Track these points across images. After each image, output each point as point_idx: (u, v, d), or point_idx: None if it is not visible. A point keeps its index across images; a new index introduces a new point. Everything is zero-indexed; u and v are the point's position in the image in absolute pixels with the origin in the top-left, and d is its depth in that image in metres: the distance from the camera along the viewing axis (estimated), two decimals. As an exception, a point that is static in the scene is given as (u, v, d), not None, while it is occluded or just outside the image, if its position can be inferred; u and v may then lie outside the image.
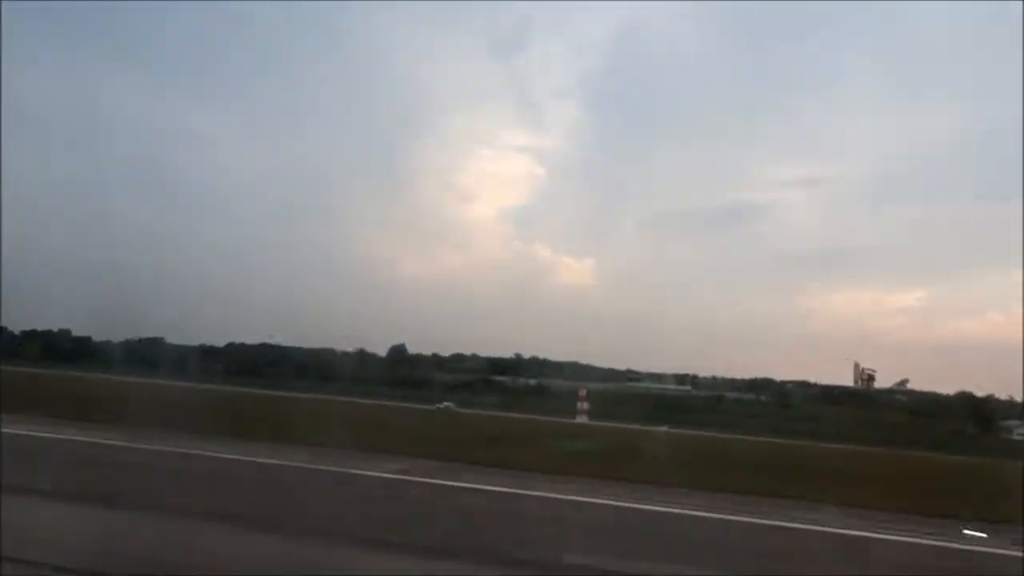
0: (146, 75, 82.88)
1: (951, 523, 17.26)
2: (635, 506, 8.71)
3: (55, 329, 67.03)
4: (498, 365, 73.51)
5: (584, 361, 72.36)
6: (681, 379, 76.87)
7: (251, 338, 68.02)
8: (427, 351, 73.71)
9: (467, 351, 74.49)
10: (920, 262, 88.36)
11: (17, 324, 60.08)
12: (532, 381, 71.84)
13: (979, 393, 60.64)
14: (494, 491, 8.48)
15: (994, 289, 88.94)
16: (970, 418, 59.00)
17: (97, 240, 63.57)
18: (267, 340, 66.54)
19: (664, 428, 48.73)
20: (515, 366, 73.64)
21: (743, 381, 74.66)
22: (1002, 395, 61.40)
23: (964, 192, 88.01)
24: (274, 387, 54.55)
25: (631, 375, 75.48)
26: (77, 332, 65.80)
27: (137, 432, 14.24)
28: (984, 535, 15.25)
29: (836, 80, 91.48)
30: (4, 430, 9.86)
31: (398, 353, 71.47)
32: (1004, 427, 57.66)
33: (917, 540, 8.47)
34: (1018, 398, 59.88)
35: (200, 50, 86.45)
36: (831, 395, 69.26)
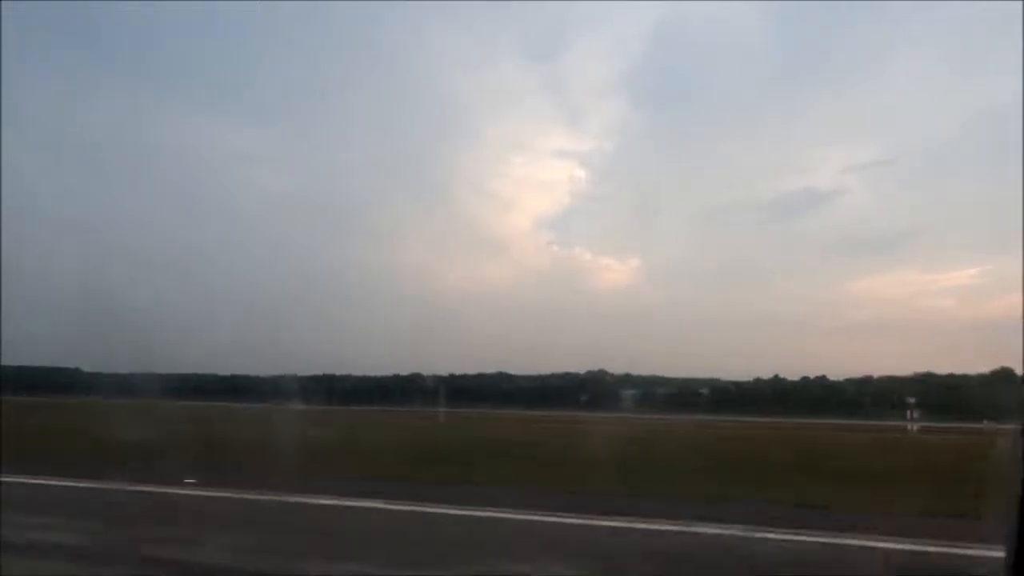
0: (178, 94, 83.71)
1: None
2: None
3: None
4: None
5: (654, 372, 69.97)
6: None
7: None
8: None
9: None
10: (970, 241, 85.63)
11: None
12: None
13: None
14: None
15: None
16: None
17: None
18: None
19: None
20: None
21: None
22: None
23: (1007, 161, 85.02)
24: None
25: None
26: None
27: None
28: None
29: (886, 60, 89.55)
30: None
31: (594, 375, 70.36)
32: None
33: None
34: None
35: (235, 67, 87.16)
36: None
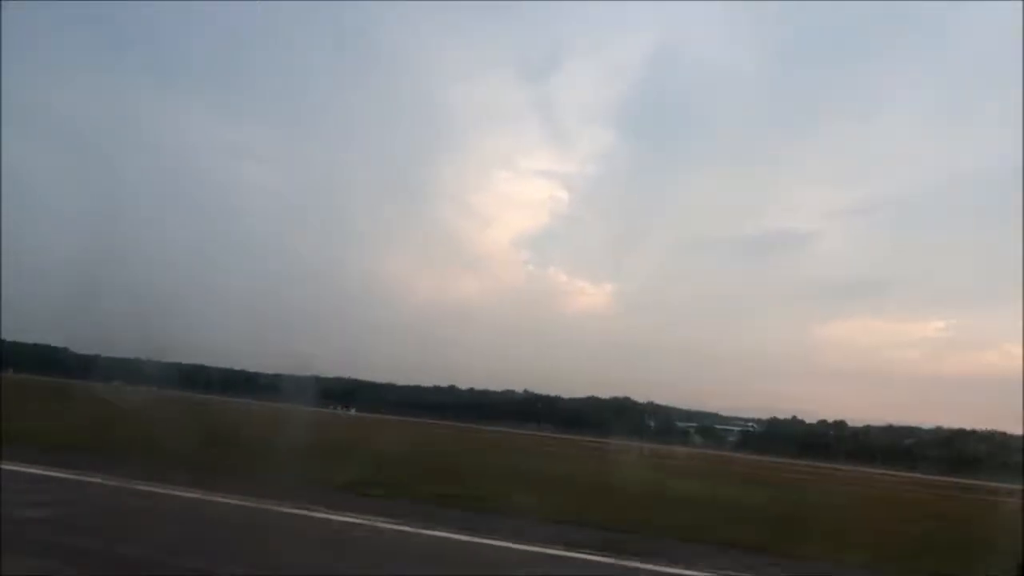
0: (173, 90, 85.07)
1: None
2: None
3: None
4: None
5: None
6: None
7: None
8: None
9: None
10: (942, 292, 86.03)
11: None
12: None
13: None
14: None
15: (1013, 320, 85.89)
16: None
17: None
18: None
19: None
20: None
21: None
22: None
23: (991, 220, 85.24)
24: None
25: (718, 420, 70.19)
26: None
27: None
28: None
29: (873, 110, 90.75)
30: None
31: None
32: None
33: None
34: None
35: (227, 68, 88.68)
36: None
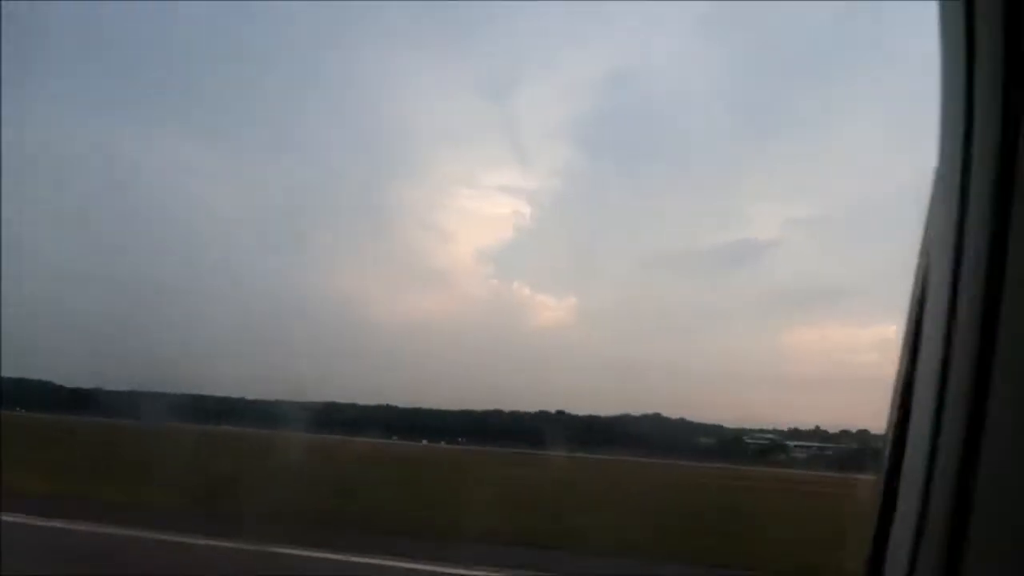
0: (127, 108, 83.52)
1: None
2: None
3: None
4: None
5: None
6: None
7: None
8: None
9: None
10: (898, 299, 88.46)
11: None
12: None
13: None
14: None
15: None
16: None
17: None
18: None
19: None
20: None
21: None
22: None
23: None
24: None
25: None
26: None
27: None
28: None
29: (825, 120, 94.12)
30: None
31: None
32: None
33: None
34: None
35: (179, 83, 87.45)
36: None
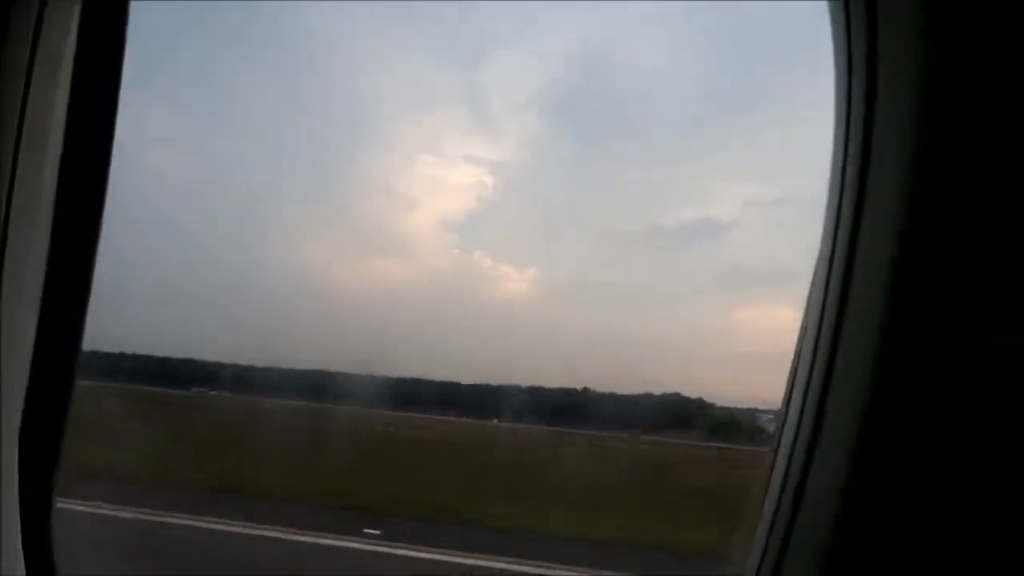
0: None
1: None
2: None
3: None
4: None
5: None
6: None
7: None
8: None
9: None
10: None
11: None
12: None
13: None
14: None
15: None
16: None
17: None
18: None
19: None
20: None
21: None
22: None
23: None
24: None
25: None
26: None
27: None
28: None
29: (788, 102, 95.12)
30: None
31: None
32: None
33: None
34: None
35: (135, 54, 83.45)
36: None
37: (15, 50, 1.37)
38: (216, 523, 8.48)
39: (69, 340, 1.65)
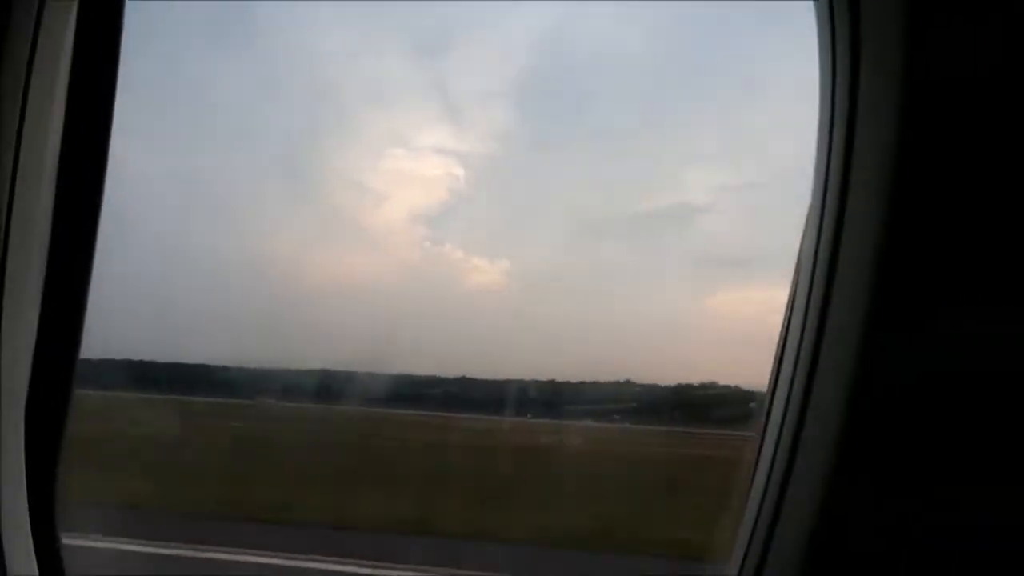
0: None
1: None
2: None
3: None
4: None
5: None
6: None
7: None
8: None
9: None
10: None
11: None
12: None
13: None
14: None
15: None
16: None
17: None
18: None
19: None
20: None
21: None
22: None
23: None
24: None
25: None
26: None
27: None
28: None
29: (761, 86, 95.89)
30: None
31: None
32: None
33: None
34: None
35: None
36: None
37: (14, 49, 1.40)
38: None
39: (69, 341, 1.66)
